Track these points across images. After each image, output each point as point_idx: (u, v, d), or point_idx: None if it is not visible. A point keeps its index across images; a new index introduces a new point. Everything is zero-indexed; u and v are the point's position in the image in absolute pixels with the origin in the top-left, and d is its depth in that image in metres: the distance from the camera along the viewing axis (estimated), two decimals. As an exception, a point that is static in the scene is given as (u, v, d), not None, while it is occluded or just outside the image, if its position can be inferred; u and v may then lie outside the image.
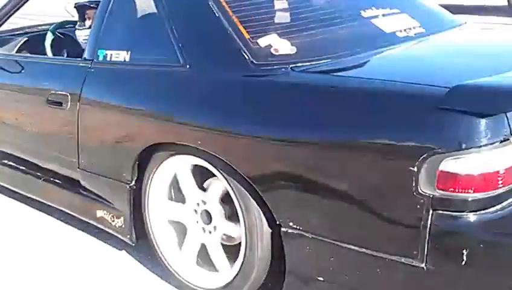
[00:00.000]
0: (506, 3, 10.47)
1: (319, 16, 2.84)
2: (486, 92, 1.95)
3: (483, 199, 1.92)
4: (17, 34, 4.16)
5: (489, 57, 2.53)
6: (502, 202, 1.95)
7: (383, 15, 2.82)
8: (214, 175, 2.49)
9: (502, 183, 1.92)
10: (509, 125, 1.90)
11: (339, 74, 2.40)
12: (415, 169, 1.92)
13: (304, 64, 2.39)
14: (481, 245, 1.91)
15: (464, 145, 1.87)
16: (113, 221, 2.95)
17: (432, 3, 3.31)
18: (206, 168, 2.50)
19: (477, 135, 1.87)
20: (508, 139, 1.89)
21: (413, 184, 1.93)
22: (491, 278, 1.95)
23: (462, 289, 1.97)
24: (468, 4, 12.12)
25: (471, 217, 1.91)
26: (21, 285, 2.86)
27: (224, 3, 2.59)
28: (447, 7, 3.45)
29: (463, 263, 1.91)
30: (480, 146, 1.87)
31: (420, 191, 1.93)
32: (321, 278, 2.26)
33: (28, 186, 3.51)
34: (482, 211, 1.92)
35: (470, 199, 1.91)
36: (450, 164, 1.89)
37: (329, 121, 2.16)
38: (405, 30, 2.77)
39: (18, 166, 3.49)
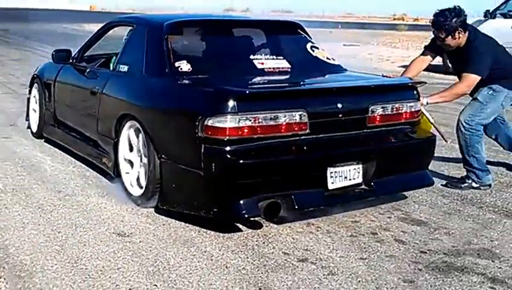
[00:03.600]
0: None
1: (211, 54, 5.14)
2: (228, 92, 4.11)
3: (230, 140, 3.96)
4: (103, 55, 6.47)
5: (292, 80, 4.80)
6: (242, 143, 4.01)
7: (266, 58, 4.96)
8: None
9: (240, 133, 4.00)
10: (237, 106, 3.95)
11: (194, 79, 4.57)
12: (197, 124, 4.03)
13: (190, 76, 4.59)
14: (225, 163, 3.99)
15: (215, 113, 3.98)
16: (108, 163, 5.22)
17: (321, 58, 5.37)
18: None
19: (222, 108, 3.97)
20: (237, 113, 3.92)
21: (196, 131, 4.03)
22: (217, 177, 4.03)
23: (214, 182, 4.07)
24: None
25: (223, 148, 3.96)
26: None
27: (169, 44, 4.81)
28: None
29: (213, 170, 3.99)
30: (224, 113, 3.96)
31: (199, 135, 4.03)
32: (174, 185, 4.39)
33: (71, 143, 6.02)
34: (231, 146, 3.98)
35: (225, 139, 3.96)
36: (210, 122, 3.98)
37: (176, 101, 4.45)
38: (273, 68, 4.90)
39: (69, 131, 6.02)
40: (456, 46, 5.38)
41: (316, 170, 4.25)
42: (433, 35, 5.55)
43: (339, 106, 4.36)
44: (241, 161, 3.97)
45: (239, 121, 3.98)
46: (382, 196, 4.79)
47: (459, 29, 5.31)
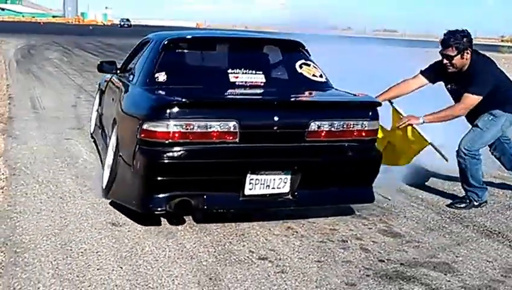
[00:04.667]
0: None
1: (190, 67, 5.58)
2: (163, 100, 4.58)
3: (159, 143, 4.44)
4: None
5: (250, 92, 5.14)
6: (169, 146, 4.45)
7: (242, 73, 5.28)
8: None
9: (171, 137, 4.43)
10: (169, 114, 4.40)
11: (162, 89, 5.00)
12: (138, 127, 4.53)
13: (166, 86, 5.06)
14: (146, 161, 4.48)
15: (150, 119, 4.47)
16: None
17: (306, 75, 5.58)
18: None
19: (156, 115, 4.45)
20: (169, 119, 4.37)
21: (137, 133, 4.53)
22: (147, 174, 4.54)
23: (137, 178, 4.61)
24: None
25: (149, 149, 4.47)
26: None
27: (160, 58, 5.32)
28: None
29: (137, 167, 4.55)
30: (157, 119, 4.43)
31: (138, 137, 4.53)
32: (119, 179, 4.92)
33: (99, 143, 6.74)
34: (156, 147, 4.43)
35: (154, 141, 4.45)
36: (145, 126, 4.49)
37: (132, 107, 5.04)
38: (245, 82, 5.25)
39: (101, 132, 6.77)
40: (460, 67, 5.58)
41: (233, 175, 4.61)
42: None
43: (276, 118, 4.60)
44: (159, 161, 4.44)
45: (170, 127, 4.42)
46: (306, 206, 5.06)
47: (468, 49, 5.52)
